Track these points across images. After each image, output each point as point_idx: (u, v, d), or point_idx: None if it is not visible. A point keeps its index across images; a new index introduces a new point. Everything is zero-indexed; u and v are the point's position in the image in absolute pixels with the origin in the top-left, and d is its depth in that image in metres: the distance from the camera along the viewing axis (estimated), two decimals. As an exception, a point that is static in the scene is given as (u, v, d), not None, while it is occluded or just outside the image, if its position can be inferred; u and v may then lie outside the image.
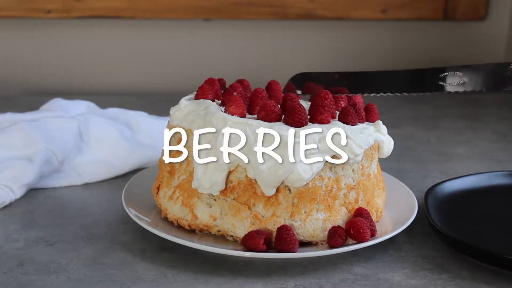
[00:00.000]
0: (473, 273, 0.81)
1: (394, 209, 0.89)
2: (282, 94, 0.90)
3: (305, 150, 0.79)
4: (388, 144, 0.88)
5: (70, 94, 1.44)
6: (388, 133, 0.89)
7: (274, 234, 0.80)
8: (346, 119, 0.84)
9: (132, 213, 0.85)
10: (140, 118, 1.14)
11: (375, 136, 0.86)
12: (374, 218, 0.86)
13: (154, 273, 0.79)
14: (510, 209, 0.94)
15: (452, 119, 1.40)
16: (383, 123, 0.91)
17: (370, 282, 0.79)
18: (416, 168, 1.12)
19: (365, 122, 0.87)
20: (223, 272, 0.80)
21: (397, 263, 0.83)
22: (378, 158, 0.89)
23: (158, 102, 1.34)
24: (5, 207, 0.94)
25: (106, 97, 1.41)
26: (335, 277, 0.80)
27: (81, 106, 1.16)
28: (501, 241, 0.84)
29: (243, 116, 0.82)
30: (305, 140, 0.79)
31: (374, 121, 0.88)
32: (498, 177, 0.99)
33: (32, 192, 0.99)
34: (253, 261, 0.82)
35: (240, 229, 0.81)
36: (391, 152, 0.90)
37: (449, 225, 0.86)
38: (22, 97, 1.45)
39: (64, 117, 1.08)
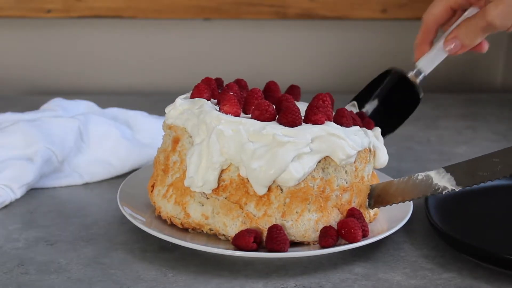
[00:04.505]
0: (473, 273, 0.81)
1: (390, 210, 0.89)
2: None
3: (298, 150, 0.79)
4: (383, 154, 0.88)
5: (70, 94, 1.44)
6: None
7: (265, 233, 0.80)
8: (340, 120, 0.84)
9: (127, 212, 0.86)
10: (140, 118, 1.14)
11: (372, 141, 0.86)
12: (367, 219, 0.86)
13: (154, 273, 0.79)
14: (510, 209, 0.94)
15: (452, 119, 1.40)
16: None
17: (370, 282, 0.79)
18: (416, 168, 1.12)
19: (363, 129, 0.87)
20: (223, 272, 0.80)
21: (397, 263, 0.83)
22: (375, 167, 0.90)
23: (158, 102, 1.34)
24: (5, 207, 0.94)
25: (106, 97, 1.41)
26: (335, 277, 0.80)
27: (81, 106, 1.16)
28: (501, 241, 0.84)
29: (237, 115, 0.82)
30: (298, 139, 0.80)
31: (371, 128, 0.89)
32: (498, 177, 0.99)
33: (32, 192, 0.99)
34: (253, 261, 0.82)
35: (232, 228, 0.81)
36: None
37: (449, 225, 0.86)
38: (22, 97, 1.45)
39: (64, 116, 1.08)
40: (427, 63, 0.98)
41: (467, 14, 0.95)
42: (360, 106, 1.00)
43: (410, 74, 0.99)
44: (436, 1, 0.97)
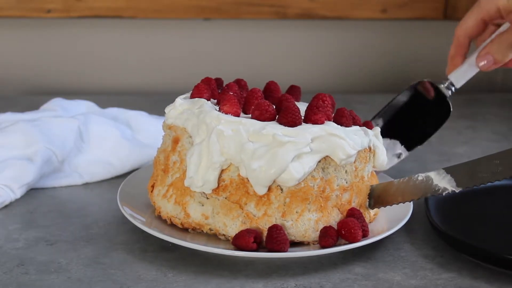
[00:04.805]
0: (473, 273, 0.81)
1: (390, 210, 0.89)
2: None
3: (298, 150, 0.79)
4: (382, 153, 0.88)
5: (70, 94, 1.44)
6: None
7: (265, 233, 0.80)
8: (340, 120, 0.84)
9: (127, 212, 0.86)
10: (140, 118, 1.14)
11: (372, 140, 0.86)
12: (367, 219, 0.86)
13: (154, 273, 0.79)
14: (510, 209, 0.94)
15: (452, 119, 1.38)
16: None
17: (370, 282, 0.79)
18: (417, 168, 1.12)
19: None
20: (223, 272, 0.80)
21: (397, 263, 0.83)
22: (376, 169, 0.89)
23: (158, 102, 1.34)
24: (5, 207, 0.94)
25: (106, 97, 1.40)
26: (335, 276, 0.80)
27: (81, 106, 1.16)
28: (501, 241, 0.84)
29: (237, 115, 0.82)
30: (298, 139, 0.79)
31: (371, 128, 0.89)
32: (498, 177, 0.99)
33: (32, 192, 0.99)
34: (253, 261, 0.82)
35: (232, 228, 0.81)
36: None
37: (449, 225, 0.86)
38: (22, 97, 1.45)
39: (64, 116, 1.08)
40: (459, 77, 0.99)
41: (500, 29, 0.96)
42: (388, 115, 1.01)
43: (442, 86, 1.00)
44: (468, 14, 0.98)
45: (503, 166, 0.81)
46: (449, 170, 0.84)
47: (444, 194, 0.84)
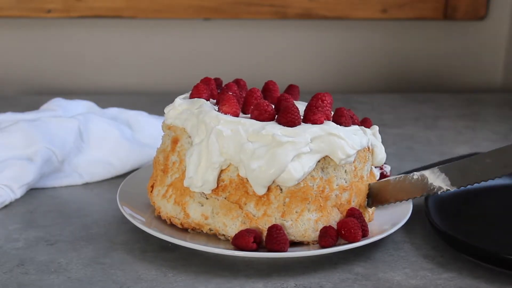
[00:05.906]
0: (473, 273, 0.81)
1: (390, 210, 0.89)
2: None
3: (297, 150, 0.79)
4: (381, 151, 0.88)
5: (70, 94, 1.44)
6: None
7: (265, 233, 0.80)
8: (339, 120, 0.84)
9: (127, 212, 0.86)
10: (140, 118, 1.14)
11: (370, 139, 0.86)
12: (367, 218, 0.86)
13: (154, 273, 0.79)
14: (510, 209, 0.94)
15: (452, 119, 1.40)
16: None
17: (370, 282, 0.79)
18: (417, 168, 1.12)
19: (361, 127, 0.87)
20: (223, 272, 0.80)
21: (397, 263, 0.83)
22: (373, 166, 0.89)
23: (158, 102, 1.34)
24: (5, 207, 0.94)
25: (106, 97, 1.41)
26: (335, 276, 0.80)
27: (81, 106, 1.16)
28: (501, 241, 0.84)
29: (236, 115, 0.82)
30: (297, 139, 0.79)
31: (369, 127, 0.89)
32: (498, 177, 0.99)
33: (32, 192, 0.99)
34: (253, 261, 0.82)
35: (231, 228, 0.81)
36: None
37: (449, 225, 0.86)
38: (22, 97, 1.45)
39: (64, 116, 1.08)
40: None
41: None
42: None
43: None
44: None
45: (495, 164, 0.81)
46: (443, 169, 0.84)
47: (439, 193, 0.84)
